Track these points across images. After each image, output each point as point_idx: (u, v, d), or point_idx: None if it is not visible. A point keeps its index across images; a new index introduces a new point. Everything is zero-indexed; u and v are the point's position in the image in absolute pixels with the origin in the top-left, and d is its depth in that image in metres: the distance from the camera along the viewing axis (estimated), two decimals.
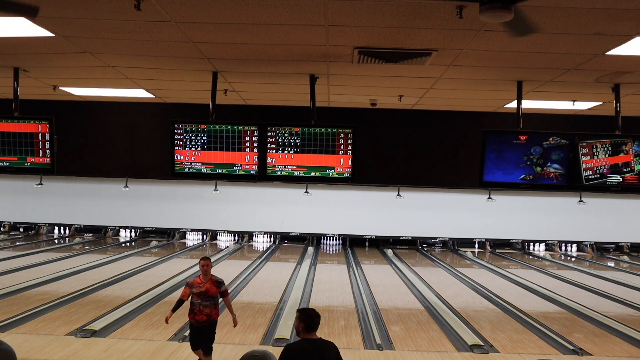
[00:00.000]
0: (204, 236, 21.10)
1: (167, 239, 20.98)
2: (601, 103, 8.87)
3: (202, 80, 7.98)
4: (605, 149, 7.49)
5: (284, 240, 20.75)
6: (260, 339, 7.91)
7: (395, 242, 20.56)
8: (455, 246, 20.74)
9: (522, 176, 7.50)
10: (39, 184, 15.86)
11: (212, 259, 17.05)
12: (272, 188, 19.27)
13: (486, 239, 20.58)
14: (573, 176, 7.50)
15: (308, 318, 4.01)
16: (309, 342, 3.97)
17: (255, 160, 7.71)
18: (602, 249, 20.64)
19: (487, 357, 7.41)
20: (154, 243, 20.05)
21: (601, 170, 7.51)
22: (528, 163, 7.48)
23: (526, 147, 7.47)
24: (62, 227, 21.14)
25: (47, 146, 7.98)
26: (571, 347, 7.86)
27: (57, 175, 9.38)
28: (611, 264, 18.30)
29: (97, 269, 13.52)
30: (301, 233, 20.44)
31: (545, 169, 7.48)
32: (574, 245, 20.77)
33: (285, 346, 3.99)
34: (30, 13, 4.45)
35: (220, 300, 6.50)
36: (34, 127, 7.97)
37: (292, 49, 6.36)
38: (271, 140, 7.66)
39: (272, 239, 20.71)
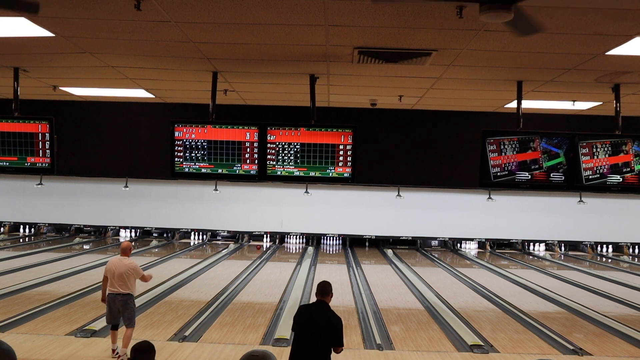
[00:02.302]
0: (204, 236, 21.10)
1: (167, 239, 20.98)
2: (601, 103, 8.87)
3: (202, 80, 7.98)
4: (605, 149, 7.49)
5: (283, 241, 20.77)
6: (260, 339, 7.91)
7: (395, 242, 20.56)
8: (455, 246, 20.74)
9: (522, 176, 7.50)
10: (39, 184, 15.85)
11: (212, 259, 17.10)
12: (272, 188, 19.27)
13: (486, 239, 20.57)
14: (573, 176, 7.50)
15: (318, 285, 5.15)
16: (317, 301, 5.04)
17: None
18: (602, 249, 20.66)
19: (487, 357, 7.41)
20: (154, 243, 20.05)
21: (601, 170, 7.51)
22: (528, 163, 7.48)
23: (526, 147, 7.47)
24: (62, 227, 21.14)
25: (47, 146, 7.98)
26: (571, 347, 7.86)
27: (57, 175, 9.37)
28: (611, 264, 18.30)
29: (97, 269, 13.50)
30: (301, 233, 20.45)
31: (545, 169, 7.48)
32: (574, 245, 20.78)
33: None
34: (31, 10, 4.42)
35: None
36: (34, 127, 7.97)
37: (292, 49, 6.36)
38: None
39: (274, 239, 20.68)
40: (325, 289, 5.06)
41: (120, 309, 6.89)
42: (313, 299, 5.69)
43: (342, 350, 4.90)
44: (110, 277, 6.95)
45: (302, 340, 4.80)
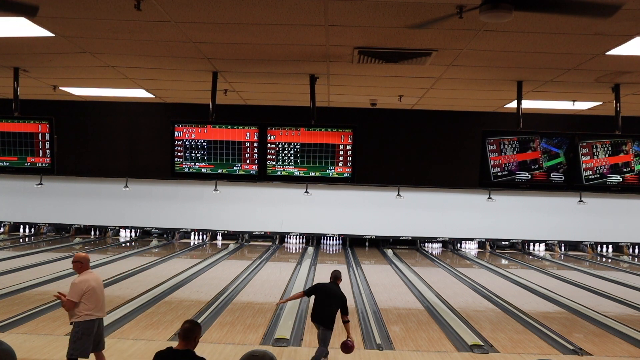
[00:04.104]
0: (204, 236, 21.10)
1: (167, 239, 20.98)
2: (601, 103, 8.87)
3: (202, 80, 7.98)
4: (605, 149, 7.49)
5: (283, 241, 20.78)
6: (260, 339, 7.91)
7: (395, 242, 20.56)
8: (455, 246, 20.74)
9: (522, 176, 7.50)
10: (39, 184, 15.85)
11: (212, 259, 17.14)
12: (272, 188, 19.27)
13: (486, 239, 20.57)
14: (573, 176, 7.50)
15: (332, 272, 7.13)
16: (331, 282, 6.96)
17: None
18: (602, 249, 20.67)
19: (487, 357, 7.41)
20: (154, 243, 20.06)
21: (601, 170, 7.51)
22: (528, 163, 7.48)
23: (526, 147, 7.47)
24: (62, 227, 21.14)
25: (47, 146, 7.98)
26: (571, 347, 7.86)
27: (57, 175, 9.37)
28: (611, 264, 18.30)
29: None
30: (301, 233, 20.45)
31: (545, 169, 7.48)
32: (574, 245, 20.78)
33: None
34: (30, 13, 4.42)
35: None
36: (34, 127, 7.97)
37: (292, 49, 6.36)
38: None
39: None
40: (337, 275, 7.02)
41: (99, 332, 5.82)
42: (313, 298, 6.02)
43: (349, 321, 6.77)
44: (96, 299, 5.70)
45: (321, 303, 6.70)
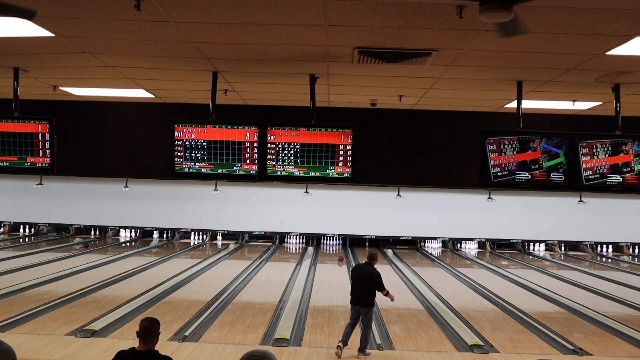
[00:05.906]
0: (204, 236, 21.10)
1: (167, 239, 20.98)
2: (601, 103, 8.88)
3: (202, 80, 7.98)
4: (605, 149, 7.49)
5: (283, 241, 20.79)
6: (260, 339, 7.90)
7: (395, 242, 20.55)
8: (455, 246, 20.75)
9: (522, 176, 7.50)
10: (39, 184, 15.85)
11: (212, 259, 17.15)
12: (272, 188, 19.26)
13: (486, 239, 20.57)
14: (573, 176, 7.50)
15: (368, 252, 7.42)
16: (366, 262, 7.31)
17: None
18: (602, 249, 20.67)
19: (487, 357, 7.41)
20: (154, 243, 20.06)
21: (601, 170, 7.51)
22: (528, 163, 7.49)
23: (526, 147, 7.47)
24: (62, 227, 21.14)
25: (47, 146, 7.98)
26: (571, 347, 7.86)
27: (57, 175, 9.37)
28: (611, 264, 18.30)
29: (97, 269, 13.51)
30: (301, 233, 20.45)
31: (545, 169, 7.49)
32: (574, 245, 20.78)
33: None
34: (27, 16, 4.43)
35: None
36: (34, 127, 7.97)
37: (292, 49, 6.36)
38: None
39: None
40: (371, 255, 7.33)
41: None
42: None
43: (387, 292, 7.11)
44: None
45: (352, 285, 7.22)
